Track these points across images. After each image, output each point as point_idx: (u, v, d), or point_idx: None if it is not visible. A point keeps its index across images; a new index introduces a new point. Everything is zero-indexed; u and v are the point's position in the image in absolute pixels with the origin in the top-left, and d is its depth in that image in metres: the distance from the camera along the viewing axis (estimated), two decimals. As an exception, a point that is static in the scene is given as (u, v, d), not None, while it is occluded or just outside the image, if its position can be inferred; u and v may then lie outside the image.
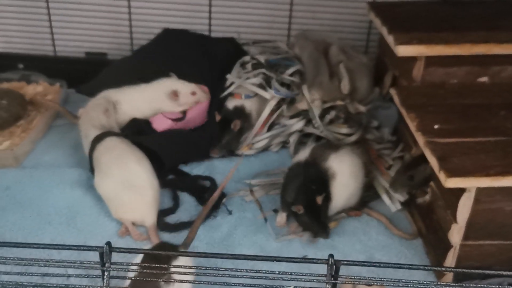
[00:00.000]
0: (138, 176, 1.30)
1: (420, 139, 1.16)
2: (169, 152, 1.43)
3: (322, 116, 1.54)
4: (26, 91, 1.73)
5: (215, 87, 1.60)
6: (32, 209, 1.34)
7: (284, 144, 1.58)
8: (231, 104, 1.56)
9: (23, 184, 1.41)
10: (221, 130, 1.52)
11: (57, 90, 1.77)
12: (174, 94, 1.50)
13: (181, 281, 0.99)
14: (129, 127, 1.49)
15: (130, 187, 1.28)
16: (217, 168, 1.49)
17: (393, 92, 1.39)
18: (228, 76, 1.62)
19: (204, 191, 1.41)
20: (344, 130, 1.56)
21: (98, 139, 1.38)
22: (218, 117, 1.52)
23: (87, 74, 1.69)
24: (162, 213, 1.34)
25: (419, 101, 1.30)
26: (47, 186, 1.41)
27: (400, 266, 0.63)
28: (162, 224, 1.31)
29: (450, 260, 1.15)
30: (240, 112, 1.55)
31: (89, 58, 1.87)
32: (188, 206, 1.39)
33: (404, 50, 1.31)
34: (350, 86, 1.59)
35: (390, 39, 1.34)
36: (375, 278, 0.66)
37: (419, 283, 0.63)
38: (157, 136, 1.48)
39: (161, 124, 1.50)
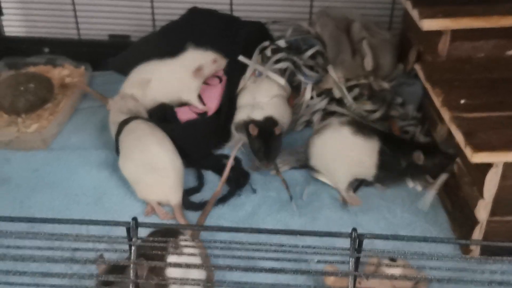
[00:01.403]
0: (159, 158, 1.32)
1: (446, 114, 1.14)
2: (193, 143, 1.45)
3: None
4: (52, 75, 1.76)
5: (234, 71, 1.58)
6: (60, 190, 1.37)
7: (308, 123, 1.58)
8: (258, 115, 1.43)
9: (51, 165, 1.45)
10: (263, 143, 1.37)
11: (82, 73, 1.79)
12: (199, 70, 1.50)
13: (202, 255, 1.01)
14: (155, 112, 1.51)
15: (152, 169, 1.30)
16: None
17: (417, 68, 1.36)
18: (249, 62, 1.57)
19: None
20: (368, 107, 1.54)
21: (124, 123, 1.41)
22: (254, 131, 1.37)
23: (111, 56, 1.71)
24: (187, 192, 1.35)
25: (445, 76, 1.28)
26: (74, 167, 1.44)
27: (424, 239, 0.62)
28: (187, 203, 1.32)
29: (477, 236, 1.13)
30: (272, 120, 1.43)
31: (112, 41, 1.89)
32: (212, 185, 1.40)
33: (429, 24, 1.28)
34: (373, 63, 1.56)
35: (414, 13, 1.32)
36: (399, 251, 0.66)
37: (443, 256, 0.62)
38: (180, 128, 1.49)
39: (185, 115, 1.52)
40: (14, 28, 1.91)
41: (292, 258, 0.62)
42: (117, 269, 0.74)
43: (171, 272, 0.81)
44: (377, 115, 1.52)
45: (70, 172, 1.43)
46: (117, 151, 1.40)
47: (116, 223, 0.61)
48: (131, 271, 0.62)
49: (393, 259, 1.03)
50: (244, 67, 1.57)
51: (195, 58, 1.51)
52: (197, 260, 0.87)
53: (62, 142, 1.55)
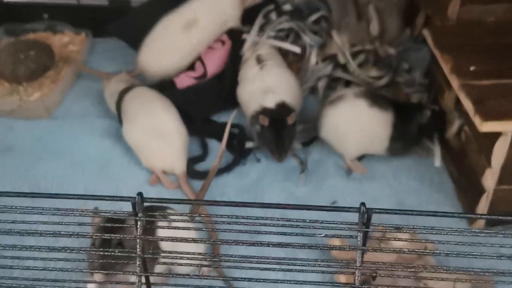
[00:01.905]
0: (165, 124, 1.31)
1: (455, 81, 1.12)
2: (194, 106, 1.44)
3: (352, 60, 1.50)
4: (52, 42, 1.73)
5: (238, 35, 1.54)
6: (65, 158, 1.37)
7: (313, 90, 1.55)
8: (270, 102, 1.32)
9: (54, 134, 1.44)
10: (274, 134, 1.29)
11: (83, 40, 1.76)
12: None
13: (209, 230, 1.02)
14: (154, 84, 1.49)
15: (158, 135, 1.29)
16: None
17: (426, 32, 1.33)
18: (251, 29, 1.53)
19: (233, 137, 1.40)
20: (374, 73, 1.51)
21: (126, 90, 1.39)
22: (265, 121, 1.28)
23: (111, 22, 1.68)
24: (191, 161, 1.35)
25: (454, 41, 1.25)
26: (78, 136, 1.43)
27: (434, 214, 0.61)
28: (191, 172, 1.32)
29: (483, 205, 1.13)
30: (285, 105, 1.33)
31: (112, 6, 1.84)
32: (217, 154, 1.39)
33: (438, -14, 1.25)
34: (379, 27, 1.53)
35: (422, -25, 1.27)
36: (407, 226, 0.65)
37: (452, 230, 0.62)
38: (180, 93, 1.48)
39: (183, 82, 1.50)
40: (12, -7, 1.86)
41: (299, 232, 0.61)
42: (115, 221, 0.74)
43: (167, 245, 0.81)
44: (382, 81, 1.50)
45: (74, 140, 1.42)
46: (120, 120, 1.39)
47: (121, 199, 0.60)
48: (138, 246, 0.62)
49: (398, 228, 1.03)
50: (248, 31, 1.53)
51: None
52: (192, 234, 0.87)
53: (65, 110, 1.53)
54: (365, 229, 0.61)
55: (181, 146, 1.31)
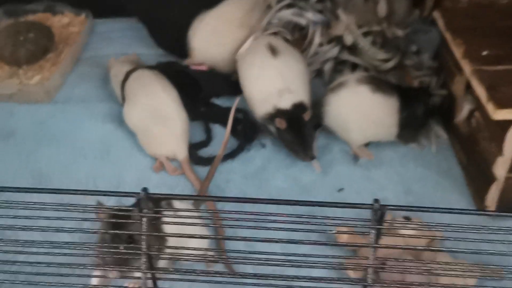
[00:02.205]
0: (166, 106, 1.29)
1: (467, 67, 1.09)
2: (205, 82, 1.43)
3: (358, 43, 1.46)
4: (52, 23, 1.69)
5: None
6: (66, 143, 1.35)
7: (318, 73, 1.52)
8: (286, 103, 1.24)
9: (56, 118, 1.42)
10: (295, 135, 1.23)
11: (83, 21, 1.72)
12: None
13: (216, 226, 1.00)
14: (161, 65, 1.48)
15: (158, 117, 1.27)
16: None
17: (436, 14, 1.29)
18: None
19: (237, 123, 1.38)
20: (381, 56, 1.47)
21: (131, 71, 1.38)
22: (283, 124, 1.21)
23: (112, 3, 1.63)
24: (195, 147, 1.33)
25: (465, 24, 1.21)
26: (80, 120, 1.41)
27: (450, 211, 0.59)
28: (195, 158, 1.30)
29: (493, 193, 1.11)
30: (302, 105, 1.25)
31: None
32: (221, 139, 1.34)
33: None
34: (387, 8, 1.48)
35: (433, -47, 1.23)
36: (422, 222, 0.63)
37: (469, 227, 0.60)
38: (194, 71, 1.47)
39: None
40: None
41: (309, 229, 0.59)
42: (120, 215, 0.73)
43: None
44: (390, 64, 1.46)
45: (76, 125, 1.40)
46: (123, 99, 1.37)
47: (126, 194, 0.58)
48: (143, 243, 0.60)
49: (407, 218, 1.02)
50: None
51: None
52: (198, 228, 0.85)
53: (66, 94, 1.50)
54: (378, 226, 0.59)
55: (182, 130, 1.29)
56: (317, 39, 1.48)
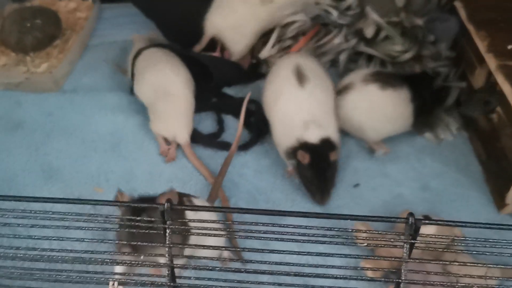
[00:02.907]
0: (172, 83, 1.28)
1: (492, 62, 1.05)
2: (217, 69, 1.39)
3: (376, 33, 1.41)
4: (58, 8, 1.65)
5: None
6: (76, 135, 1.32)
7: (333, 63, 1.48)
8: (313, 137, 1.13)
9: (65, 109, 1.39)
10: (316, 173, 1.11)
11: (90, 6, 1.68)
12: None
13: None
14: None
15: (163, 94, 1.26)
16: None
17: (457, 4, 1.25)
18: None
19: (250, 114, 1.35)
20: (399, 47, 1.43)
21: (143, 49, 1.37)
22: (306, 158, 1.10)
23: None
24: (207, 137, 1.31)
25: (489, 16, 1.17)
26: (89, 111, 1.38)
27: (489, 226, 0.56)
28: (203, 138, 1.30)
29: (514, 191, 1.08)
30: (329, 142, 1.14)
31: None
32: (233, 131, 1.33)
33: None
34: (405, -3, 1.44)
35: None
36: (457, 237, 0.61)
37: (508, 242, 0.57)
38: (207, 56, 1.44)
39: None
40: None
41: (340, 242, 0.57)
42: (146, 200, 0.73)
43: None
44: (408, 55, 1.42)
45: (85, 116, 1.37)
46: (132, 75, 1.36)
47: (150, 205, 0.55)
48: (167, 255, 0.58)
49: (427, 217, 0.99)
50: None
51: None
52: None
53: (74, 83, 1.47)
54: (411, 241, 0.56)
55: (185, 109, 1.27)
56: (338, 40, 1.44)
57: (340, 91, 1.26)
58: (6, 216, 0.61)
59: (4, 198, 0.58)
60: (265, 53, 1.46)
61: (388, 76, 1.27)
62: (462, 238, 0.81)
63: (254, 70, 1.48)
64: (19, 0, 1.66)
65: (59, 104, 1.39)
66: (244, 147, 1.29)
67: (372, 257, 0.58)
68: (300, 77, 1.18)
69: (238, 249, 1.01)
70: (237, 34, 1.42)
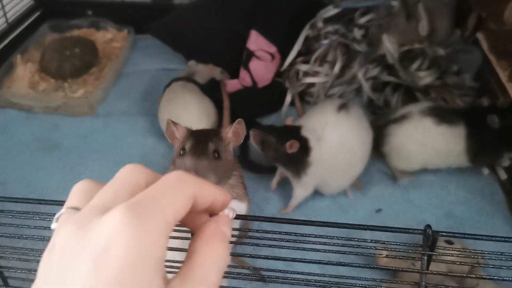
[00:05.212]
0: (181, 119, 1.30)
1: (513, 91, 1.07)
2: (242, 107, 1.43)
3: (400, 61, 1.45)
4: (96, 38, 1.74)
5: (285, 46, 1.52)
6: (109, 157, 1.38)
7: (358, 92, 1.52)
8: None
9: (98, 132, 1.45)
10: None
11: (125, 37, 1.77)
12: None
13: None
14: (207, 84, 1.50)
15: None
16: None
17: (480, 36, 1.28)
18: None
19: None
20: (422, 74, 1.46)
21: (175, 80, 1.43)
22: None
23: (154, 19, 1.68)
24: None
25: (510, 46, 1.19)
26: (122, 134, 1.44)
27: (505, 239, 0.58)
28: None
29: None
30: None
31: (155, 3, 1.85)
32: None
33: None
34: (428, 27, 1.48)
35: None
36: (475, 250, 0.62)
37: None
38: (230, 94, 1.49)
39: (233, 87, 1.52)
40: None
41: (359, 252, 0.59)
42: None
43: None
44: (427, 80, 1.44)
45: (118, 139, 1.43)
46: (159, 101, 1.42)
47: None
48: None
49: (450, 242, 1.00)
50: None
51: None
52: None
53: (108, 108, 1.54)
54: (429, 253, 0.58)
55: None
56: (357, 68, 1.48)
57: (396, 120, 1.29)
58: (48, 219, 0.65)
59: (46, 202, 0.62)
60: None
61: (446, 111, 1.26)
62: (483, 265, 0.82)
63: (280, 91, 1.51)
64: (58, 31, 1.77)
65: (93, 127, 1.46)
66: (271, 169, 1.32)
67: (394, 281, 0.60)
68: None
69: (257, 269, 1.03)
70: None
